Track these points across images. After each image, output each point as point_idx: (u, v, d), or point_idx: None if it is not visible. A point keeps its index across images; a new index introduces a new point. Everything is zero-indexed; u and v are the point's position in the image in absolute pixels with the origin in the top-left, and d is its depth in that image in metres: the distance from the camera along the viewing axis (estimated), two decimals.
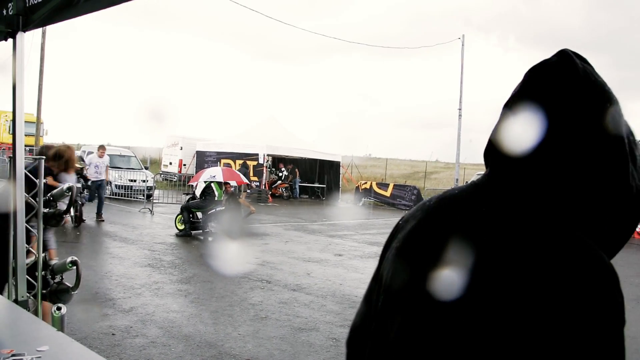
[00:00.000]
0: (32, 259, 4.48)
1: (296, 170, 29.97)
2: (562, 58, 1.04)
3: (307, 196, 30.59)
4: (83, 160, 19.38)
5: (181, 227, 13.90)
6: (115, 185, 22.90)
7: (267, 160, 28.12)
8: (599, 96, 1.00)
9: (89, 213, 15.08)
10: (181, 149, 32.23)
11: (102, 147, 16.42)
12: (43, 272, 4.49)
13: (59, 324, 3.77)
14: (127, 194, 22.51)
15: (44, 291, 4.66)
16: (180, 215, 14.01)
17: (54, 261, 4.74)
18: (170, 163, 32.82)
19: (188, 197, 15.06)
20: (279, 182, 28.56)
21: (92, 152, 25.54)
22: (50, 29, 25.43)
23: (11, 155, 4.31)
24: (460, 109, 31.84)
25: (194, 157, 30.76)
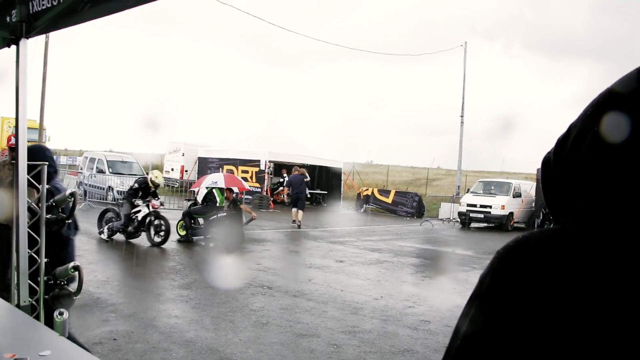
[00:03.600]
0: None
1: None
2: None
3: (309, 202, 30.59)
4: None
5: (182, 233, 13.91)
6: (117, 191, 22.95)
7: (269, 167, 28.14)
8: None
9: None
10: (183, 155, 32.29)
11: None
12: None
13: (61, 328, 3.78)
14: None
15: (47, 296, 4.67)
16: (182, 221, 14.02)
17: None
18: (172, 169, 32.86)
19: (189, 203, 15.07)
20: (281, 188, 28.56)
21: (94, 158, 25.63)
22: (53, 34, 25.50)
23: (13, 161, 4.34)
24: (462, 116, 31.88)
25: (195, 163, 30.81)
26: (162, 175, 14.24)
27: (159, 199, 13.48)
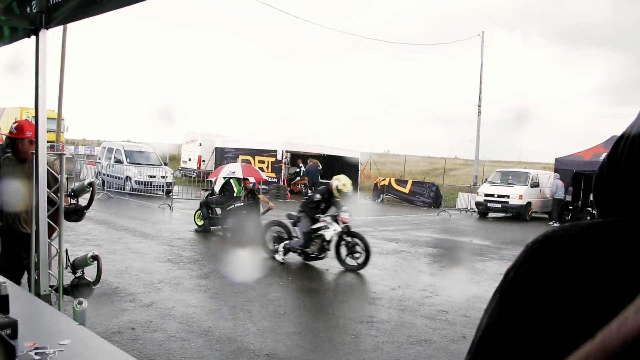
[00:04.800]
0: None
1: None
2: None
3: None
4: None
5: (200, 222, 13.97)
6: (135, 181, 23.09)
7: (286, 157, 28.16)
8: None
9: (109, 208, 15.17)
10: (200, 145, 32.38)
11: None
12: None
13: (81, 317, 3.81)
14: (147, 189, 22.67)
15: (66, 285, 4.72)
16: (200, 211, 14.07)
17: None
18: (190, 159, 33.00)
19: (207, 193, 15.14)
20: (298, 178, 28.56)
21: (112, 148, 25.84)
22: (73, 25, 25.61)
23: (33, 151, 4.37)
24: (479, 106, 31.65)
25: (213, 153, 30.91)
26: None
27: (345, 210, 10.60)
